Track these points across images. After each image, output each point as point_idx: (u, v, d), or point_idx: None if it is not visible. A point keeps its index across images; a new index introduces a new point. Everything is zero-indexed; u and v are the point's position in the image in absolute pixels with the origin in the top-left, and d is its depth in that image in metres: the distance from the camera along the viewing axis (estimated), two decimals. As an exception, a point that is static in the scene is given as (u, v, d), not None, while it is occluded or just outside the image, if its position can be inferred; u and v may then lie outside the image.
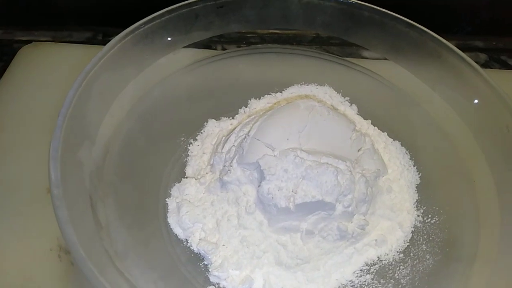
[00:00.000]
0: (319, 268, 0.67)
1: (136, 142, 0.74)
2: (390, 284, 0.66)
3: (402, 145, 0.82)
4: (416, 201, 0.76)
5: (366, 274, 0.68)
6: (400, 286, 0.66)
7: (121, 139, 0.72)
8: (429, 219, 0.73)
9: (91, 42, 1.10)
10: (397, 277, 0.67)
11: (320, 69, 0.91)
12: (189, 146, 0.80)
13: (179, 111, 0.83)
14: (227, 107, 0.85)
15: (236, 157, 0.70)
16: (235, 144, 0.73)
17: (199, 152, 0.79)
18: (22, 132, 0.87)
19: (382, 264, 0.69)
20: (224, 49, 1.02)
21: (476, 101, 0.72)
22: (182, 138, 0.81)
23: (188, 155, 0.79)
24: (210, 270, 0.65)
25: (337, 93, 0.89)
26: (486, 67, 1.09)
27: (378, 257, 0.70)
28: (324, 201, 0.65)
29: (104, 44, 0.69)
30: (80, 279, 0.66)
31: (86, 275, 0.47)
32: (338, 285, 0.67)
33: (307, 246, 0.67)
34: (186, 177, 0.75)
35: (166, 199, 0.72)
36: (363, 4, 0.82)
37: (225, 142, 0.75)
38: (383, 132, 0.84)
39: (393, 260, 0.69)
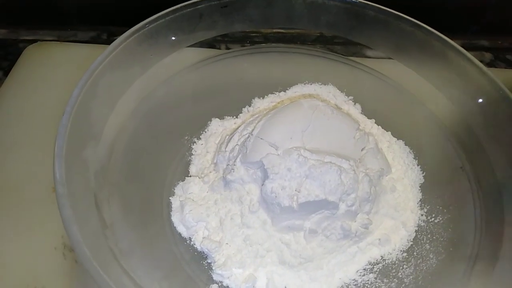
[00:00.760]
0: (322, 267, 0.67)
1: (140, 141, 0.75)
2: (393, 283, 0.66)
3: (406, 145, 0.82)
4: (419, 201, 0.75)
5: (370, 273, 0.68)
6: (403, 285, 0.66)
7: (126, 138, 0.72)
8: (432, 219, 0.73)
9: (96, 41, 1.10)
10: (401, 276, 0.67)
11: (324, 68, 0.91)
12: (193, 145, 0.81)
13: (183, 110, 0.83)
14: (231, 106, 0.85)
15: (240, 156, 0.70)
16: (239, 143, 0.74)
17: (203, 151, 0.79)
18: (27, 130, 0.87)
19: (386, 263, 0.69)
20: (228, 48, 1.02)
21: (480, 100, 0.72)
22: (186, 137, 0.81)
23: (192, 154, 0.79)
24: (213, 268, 0.65)
25: (341, 92, 0.89)
26: (491, 66, 1.08)
27: (382, 256, 0.70)
28: (327, 200, 0.66)
29: (109, 44, 0.69)
30: (85, 277, 0.67)
31: (91, 274, 0.47)
32: (341, 284, 0.67)
33: (310, 245, 0.67)
34: (190, 176, 0.76)
35: (170, 198, 0.72)
36: (367, 4, 0.81)
37: (229, 141, 0.76)
38: (387, 131, 0.84)
39: (396, 259, 0.69)
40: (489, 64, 1.10)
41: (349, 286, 0.67)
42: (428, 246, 0.70)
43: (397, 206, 0.74)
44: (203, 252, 0.67)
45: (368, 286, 0.67)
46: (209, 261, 0.66)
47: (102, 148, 0.65)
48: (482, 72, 0.73)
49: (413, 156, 0.80)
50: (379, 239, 0.71)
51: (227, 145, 0.75)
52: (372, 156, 0.75)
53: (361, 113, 0.86)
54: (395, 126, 0.84)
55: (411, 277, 0.67)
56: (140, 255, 0.61)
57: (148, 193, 0.72)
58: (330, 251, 0.68)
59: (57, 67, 0.98)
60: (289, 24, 0.87)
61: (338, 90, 0.89)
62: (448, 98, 0.77)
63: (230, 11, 0.81)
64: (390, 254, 0.70)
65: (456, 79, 0.77)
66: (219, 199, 0.70)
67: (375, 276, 0.68)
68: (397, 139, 0.83)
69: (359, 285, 0.67)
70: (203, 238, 0.67)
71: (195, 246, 0.67)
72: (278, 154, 0.67)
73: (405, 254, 0.70)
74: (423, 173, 0.78)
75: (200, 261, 0.67)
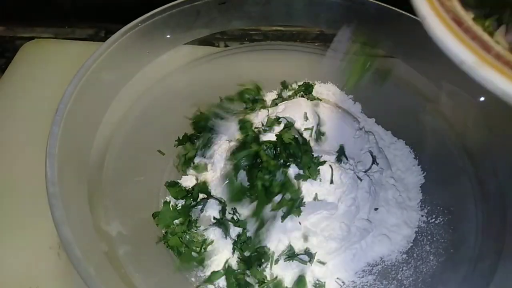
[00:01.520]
0: (320, 268, 0.66)
1: (136, 139, 0.74)
2: (392, 285, 0.65)
3: (406, 144, 0.81)
4: (420, 201, 0.75)
5: (369, 274, 0.67)
6: (402, 287, 0.65)
7: (121, 136, 0.71)
8: (433, 219, 0.72)
9: (93, 39, 1.10)
10: (400, 278, 0.66)
11: (324, 66, 0.90)
12: (190, 143, 0.80)
13: (181, 108, 0.82)
14: (229, 105, 0.84)
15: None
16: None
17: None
18: (24, 128, 0.86)
19: (385, 265, 0.68)
20: (226, 46, 1.01)
21: (482, 98, 0.71)
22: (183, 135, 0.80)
23: (189, 153, 0.78)
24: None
25: (341, 90, 0.88)
26: (493, 65, 1.07)
27: (381, 258, 0.69)
28: (326, 201, 0.65)
29: (105, 41, 0.69)
30: (79, 277, 0.66)
31: (81, 276, 0.46)
32: (340, 285, 0.66)
33: (308, 245, 0.66)
34: (187, 175, 0.75)
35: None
36: (367, 1, 0.80)
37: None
38: (387, 131, 0.83)
39: (396, 261, 0.68)
40: (491, 63, 1.08)
41: (348, 288, 0.66)
42: (428, 248, 0.69)
43: (397, 207, 0.73)
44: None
45: (367, 288, 0.66)
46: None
47: (96, 147, 0.64)
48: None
49: (413, 156, 0.79)
50: (379, 240, 0.70)
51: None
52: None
53: (361, 112, 0.85)
54: (396, 125, 0.83)
55: (410, 279, 0.66)
56: (133, 256, 0.60)
57: (143, 193, 0.71)
58: (328, 251, 0.67)
59: (54, 64, 0.97)
60: (288, 21, 0.86)
61: (338, 89, 0.88)
62: (449, 97, 0.76)
63: (228, 8, 0.80)
64: (390, 255, 0.69)
65: (458, 79, 0.75)
66: (216, 199, 0.69)
67: (374, 278, 0.67)
68: (398, 139, 0.82)
69: (358, 286, 0.66)
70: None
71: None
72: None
73: (405, 255, 0.69)
74: (423, 173, 0.77)
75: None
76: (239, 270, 0.65)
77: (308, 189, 0.64)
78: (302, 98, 0.77)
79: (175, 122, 0.80)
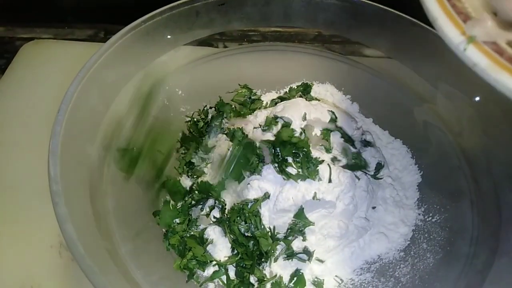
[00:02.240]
0: (319, 266, 0.67)
1: (137, 138, 0.74)
2: (390, 283, 0.66)
3: (403, 144, 0.82)
4: (417, 200, 0.75)
5: (366, 272, 0.68)
6: (400, 284, 0.66)
7: (122, 135, 0.72)
8: (430, 218, 0.73)
9: (93, 39, 1.10)
10: (397, 275, 0.67)
11: (322, 66, 0.91)
12: (190, 143, 0.80)
13: (180, 108, 0.83)
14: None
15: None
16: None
17: (200, 149, 0.79)
18: (24, 128, 0.87)
19: (383, 263, 0.69)
20: (225, 47, 1.02)
21: (477, 98, 0.72)
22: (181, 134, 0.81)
23: (189, 152, 0.79)
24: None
25: (339, 91, 0.88)
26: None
27: (379, 255, 0.70)
28: (324, 199, 0.65)
29: (106, 42, 0.69)
30: (80, 275, 0.65)
31: (84, 272, 0.47)
32: (338, 283, 0.67)
33: (307, 244, 0.67)
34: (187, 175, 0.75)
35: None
36: (365, 2, 0.81)
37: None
38: (384, 130, 0.84)
39: (393, 259, 0.69)
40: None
41: (346, 285, 0.67)
42: (425, 245, 0.69)
43: (394, 205, 0.74)
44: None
45: (365, 285, 0.67)
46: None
47: (98, 146, 0.65)
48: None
49: (410, 156, 0.80)
50: (376, 238, 0.71)
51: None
52: (370, 155, 0.75)
53: (359, 112, 0.86)
54: (393, 125, 0.84)
55: (408, 276, 0.66)
56: (135, 253, 0.61)
57: (144, 191, 0.71)
58: (327, 250, 0.68)
59: (53, 65, 0.98)
60: (287, 23, 0.86)
61: (335, 89, 0.89)
62: (445, 97, 0.77)
63: (227, 9, 0.80)
64: (387, 253, 0.70)
65: (454, 79, 0.76)
66: (216, 196, 0.70)
67: (372, 275, 0.68)
68: (395, 139, 0.83)
69: (356, 284, 0.67)
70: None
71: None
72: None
73: (402, 253, 0.70)
74: (420, 172, 0.78)
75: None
76: (239, 269, 0.65)
77: (307, 188, 0.65)
78: (300, 98, 0.78)
79: (175, 122, 0.81)
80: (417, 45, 0.80)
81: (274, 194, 0.66)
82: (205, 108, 0.82)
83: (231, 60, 0.89)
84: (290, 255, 0.66)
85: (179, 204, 0.70)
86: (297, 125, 0.70)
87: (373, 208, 0.72)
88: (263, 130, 0.71)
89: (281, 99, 0.83)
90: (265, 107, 0.82)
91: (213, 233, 0.68)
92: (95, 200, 0.59)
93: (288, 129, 0.68)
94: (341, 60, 0.90)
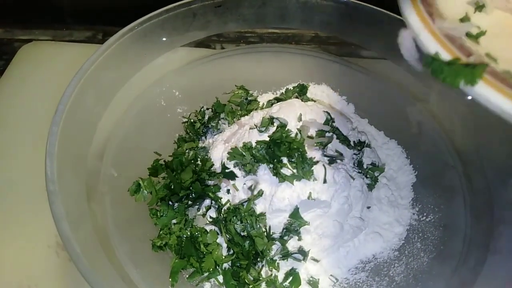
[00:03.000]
0: (314, 265, 0.68)
1: (134, 139, 0.75)
2: (384, 282, 0.67)
3: (398, 144, 0.82)
4: (411, 200, 0.76)
5: (361, 271, 0.69)
6: (394, 283, 0.66)
7: (119, 136, 0.72)
8: (424, 217, 0.73)
9: (91, 41, 1.11)
10: (392, 274, 0.67)
11: (318, 68, 0.91)
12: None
13: (177, 109, 0.84)
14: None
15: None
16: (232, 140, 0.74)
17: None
18: (22, 129, 0.88)
19: (377, 262, 0.70)
20: (222, 48, 1.02)
21: (469, 97, 0.72)
22: (178, 136, 0.81)
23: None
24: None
25: (334, 92, 0.89)
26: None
27: (373, 255, 0.70)
28: (319, 199, 0.66)
29: (103, 43, 0.70)
30: (78, 275, 0.66)
31: (80, 271, 0.47)
32: (333, 282, 0.67)
33: (302, 243, 0.67)
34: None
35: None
36: (360, 4, 0.82)
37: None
38: (379, 131, 0.84)
39: (388, 258, 0.70)
40: (483, 65, 1.10)
41: (341, 284, 0.67)
42: (419, 245, 0.70)
43: (389, 205, 0.74)
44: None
45: (360, 284, 0.67)
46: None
47: (95, 147, 0.66)
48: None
49: (405, 156, 0.81)
50: (371, 238, 0.71)
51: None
52: (365, 156, 0.76)
53: (354, 113, 0.87)
54: (388, 125, 0.84)
55: (402, 275, 0.67)
56: (132, 252, 0.61)
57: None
58: (322, 249, 0.68)
59: (52, 66, 0.98)
60: (283, 24, 0.87)
61: (331, 90, 0.89)
62: (439, 97, 0.78)
63: (223, 10, 0.81)
64: (382, 252, 0.71)
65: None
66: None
67: (367, 275, 0.68)
68: (390, 139, 0.83)
69: (351, 283, 0.68)
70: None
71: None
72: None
73: (397, 252, 0.70)
74: (415, 172, 0.79)
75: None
76: (235, 268, 0.66)
77: (302, 188, 0.66)
78: (296, 99, 0.78)
79: (172, 124, 0.82)
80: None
81: (270, 194, 0.66)
82: (202, 109, 0.82)
83: (227, 62, 0.90)
84: (286, 255, 0.67)
85: (176, 205, 0.70)
86: (292, 126, 0.71)
87: (368, 208, 0.73)
88: (260, 131, 0.72)
89: (278, 100, 0.84)
90: (262, 108, 0.83)
91: (210, 233, 0.68)
92: (91, 200, 0.60)
93: (283, 130, 0.69)
94: (337, 62, 0.91)
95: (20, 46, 1.03)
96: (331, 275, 0.68)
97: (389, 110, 0.85)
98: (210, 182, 0.70)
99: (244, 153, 0.68)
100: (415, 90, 0.81)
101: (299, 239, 0.67)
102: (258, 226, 0.66)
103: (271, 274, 0.66)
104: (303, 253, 0.67)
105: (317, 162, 0.67)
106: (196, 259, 0.65)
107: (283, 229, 0.67)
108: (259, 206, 0.67)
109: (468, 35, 0.43)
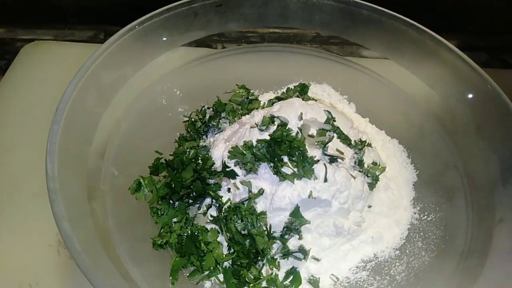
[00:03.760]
0: (315, 264, 0.68)
1: (134, 138, 0.75)
2: (385, 281, 0.67)
3: (399, 143, 0.82)
4: (412, 199, 0.76)
5: (362, 270, 0.69)
6: (395, 282, 0.66)
7: (119, 135, 0.73)
8: (425, 217, 0.73)
9: (93, 40, 1.12)
10: (393, 273, 0.67)
11: (319, 67, 0.92)
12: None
13: (178, 108, 0.84)
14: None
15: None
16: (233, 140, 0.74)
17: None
18: (24, 129, 0.88)
19: (378, 261, 0.70)
20: (223, 47, 1.03)
21: (470, 95, 0.72)
22: (179, 134, 0.81)
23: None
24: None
25: (336, 91, 0.89)
26: (486, 66, 1.07)
27: (374, 254, 0.70)
28: (320, 198, 0.66)
29: (104, 43, 0.70)
30: (78, 273, 0.66)
31: (81, 268, 0.47)
32: (334, 281, 0.67)
33: (303, 242, 0.67)
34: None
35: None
36: (361, 3, 0.82)
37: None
38: (381, 130, 0.84)
39: (389, 257, 0.70)
40: (485, 64, 1.10)
41: (342, 284, 0.67)
42: (420, 244, 0.70)
43: (390, 204, 0.74)
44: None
45: (361, 284, 0.67)
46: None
47: (96, 145, 0.66)
48: (475, 71, 0.73)
49: (406, 155, 0.81)
50: (372, 237, 0.71)
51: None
52: (366, 155, 0.76)
53: (355, 112, 0.87)
54: (389, 125, 0.84)
55: (403, 274, 0.67)
56: (132, 250, 0.62)
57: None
58: (323, 248, 0.68)
59: (53, 65, 0.99)
60: (284, 23, 0.87)
61: (332, 89, 0.90)
62: (441, 97, 0.78)
63: (224, 10, 0.81)
64: (383, 252, 0.70)
65: (450, 79, 0.77)
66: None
67: (368, 274, 0.68)
68: (391, 138, 0.83)
69: (351, 282, 0.68)
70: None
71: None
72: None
73: (398, 252, 0.70)
74: (416, 171, 0.79)
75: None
76: (235, 267, 0.66)
77: (302, 187, 0.66)
78: (297, 98, 0.78)
79: (173, 123, 0.82)
80: (414, 46, 0.81)
81: (270, 193, 0.66)
82: (203, 108, 0.83)
83: (229, 61, 0.90)
84: (286, 253, 0.67)
85: (177, 203, 0.70)
86: (293, 125, 0.71)
87: (369, 207, 0.73)
88: (260, 130, 0.72)
89: (278, 99, 0.84)
90: (263, 107, 0.83)
91: (210, 232, 0.69)
92: (92, 199, 0.60)
93: (284, 129, 0.69)
94: (338, 61, 0.91)
95: (22, 46, 1.04)
96: (331, 274, 0.68)
97: (390, 109, 0.85)
98: (211, 181, 0.70)
99: (244, 152, 0.68)
100: (416, 89, 0.81)
101: (300, 238, 0.67)
102: (259, 224, 0.66)
103: (272, 273, 0.66)
104: (303, 252, 0.67)
105: (318, 161, 0.67)
106: (196, 258, 0.65)
107: (284, 227, 0.67)
108: (260, 205, 0.67)
109: None
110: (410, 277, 0.66)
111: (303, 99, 0.79)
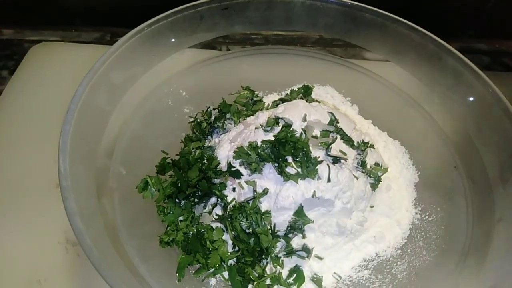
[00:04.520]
0: (318, 263, 0.69)
1: (142, 137, 0.76)
2: (387, 279, 0.68)
3: (401, 145, 0.84)
4: (414, 199, 0.77)
5: (364, 269, 0.70)
6: (396, 281, 0.67)
7: (128, 135, 0.74)
8: (426, 217, 0.74)
9: (100, 42, 1.13)
10: (394, 272, 0.69)
11: (323, 69, 0.93)
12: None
13: (184, 109, 0.85)
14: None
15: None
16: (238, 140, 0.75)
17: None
18: (32, 128, 0.89)
19: (380, 260, 0.71)
20: (229, 49, 1.04)
21: (471, 98, 0.73)
22: (185, 135, 0.82)
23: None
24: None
25: (339, 93, 0.90)
26: (488, 70, 1.10)
27: (376, 253, 0.71)
28: (323, 198, 0.67)
29: (112, 44, 0.71)
30: (86, 270, 0.68)
31: (92, 263, 0.49)
32: (337, 279, 0.68)
33: (306, 241, 0.69)
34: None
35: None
36: (364, 7, 0.83)
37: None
38: (383, 131, 0.86)
39: (390, 256, 0.71)
40: (487, 67, 1.11)
41: (345, 282, 0.68)
42: (422, 244, 0.71)
43: (392, 205, 0.75)
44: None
45: (363, 282, 0.68)
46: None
47: (105, 145, 0.67)
48: (476, 74, 0.74)
49: (408, 156, 0.82)
50: (374, 237, 0.72)
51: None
52: (368, 156, 0.77)
53: (358, 114, 0.88)
54: (392, 127, 0.86)
55: (404, 273, 0.68)
56: (141, 247, 0.63)
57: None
58: (325, 247, 0.69)
59: (61, 67, 1.00)
60: (288, 26, 0.88)
61: (336, 91, 0.91)
62: (442, 100, 0.79)
63: (230, 13, 0.83)
64: (385, 251, 0.72)
65: (451, 82, 0.78)
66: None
67: (370, 273, 0.69)
68: (393, 140, 0.85)
69: (354, 281, 0.69)
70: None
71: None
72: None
73: (399, 251, 0.71)
74: (418, 172, 0.80)
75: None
76: (240, 265, 0.67)
77: (306, 187, 0.67)
78: (301, 100, 0.80)
79: (179, 123, 0.83)
80: (416, 49, 0.82)
81: (275, 192, 0.67)
82: (208, 109, 0.84)
83: (234, 63, 0.91)
84: (290, 252, 0.68)
85: (183, 202, 0.71)
86: (297, 126, 0.72)
87: (371, 207, 0.74)
88: (265, 131, 0.73)
89: (283, 100, 0.85)
90: (267, 109, 0.84)
91: (216, 230, 0.70)
92: (101, 196, 0.61)
93: (288, 130, 0.70)
94: (341, 63, 0.93)
95: (30, 47, 1.05)
96: (334, 273, 0.69)
97: (393, 111, 0.86)
98: (216, 180, 0.71)
99: (249, 152, 0.70)
100: (418, 92, 0.82)
101: (303, 237, 0.68)
102: (263, 223, 0.67)
103: (276, 271, 0.67)
104: (307, 250, 0.68)
105: (321, 161, 0.68)
106: (202, 255, 0.66)
107: (288, 226, 0.68)
108: (264, 204, 0.68)
109: None
110: (411, 276, 0.67)
111: (307, 101, 0.81)
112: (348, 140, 0.75)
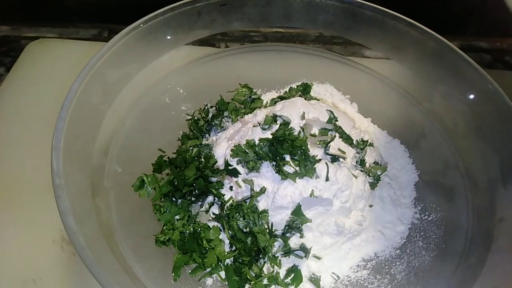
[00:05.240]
0: (316, 262, 0.68)
1: (137, 136, 0.76)
2: (386, 280, 0.67)
3: (401, 143, 0.83)
4: (414, 199, 0.76)
5: (363, 269, 0.69)
6: (395, 281, 0.67)
7: (123, 133, 0.73)
8: (426, 216, 0.73)
9: (97, 39, 1.12)
10: (393, 272, 0.68)
11: (322, 67, 0.92)
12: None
13: (181, 106, 0.84)
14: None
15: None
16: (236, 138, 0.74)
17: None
18: (28, 125, 0.89)
19: (379, 260, 0.70)
20: (227, 47, 1.03)
21: (472, 96, 0.73)
22: (182, 133, 0.82)
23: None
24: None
25: (338, 91, 0.90)
26: (490, 68, 1.09)
27: (375, 253, 0.71)
28: (321, 197, 0.66)
29: (109, 41, 0.70)
30: (82, 269, 0.67)
31: (85, 263, 0.48)
32: (335, 279, 0.68)
33: (304, 241, 0.68)
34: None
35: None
36: (364, 3, 0.82)
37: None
38: (383, 130, 0.85)
39: (389, 256, 0.70)
40: (488, 66, 1.10)
41: (343, 282, 0.68)
42: (421, 243, 0.70)
43: (391, 204, 0.75)
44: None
45: (361, 282, 0.68)
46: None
47: (100, 142, 0.66)
48: (477, 71, 0.73)
49: (408, 155, 0.81)
50: (373, 236, 0.72)
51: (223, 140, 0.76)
52: (368, 154, 0.76)
53: (358, 112, 0.87)
54: (391, 125, 0.85)
55: (403, 273, 0.68)
56: (135, 245, 0.62)
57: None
58: (324, 247, 0.69)
59: (58, 63, 1.00)
60: (287, 23, 0.87)
61: (335, 89, 0.90)
62: (443, 98, 0.78)
63: (228, 9, 0.82)
64: (384, 251, 0.71)
65: (452, 79, 0.77)
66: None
67: (368, 273, 0.69)
68: (393, 138, 0.84)
69: (352, 281, 0.68)
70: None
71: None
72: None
73: (398, 251, 0.71)
74: (417, 171, 0.79)
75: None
76: (237, 264, 0.66)
77: (304, 185, 0.66)
78: (299, 97, 0.79)
79: (176, 121, 0.82)
80: (416, 46, 0.81)
81: (272, 191, 0.67)
82: (206, 107, 0.83)
83: (232, 60, 0.90)
84: (288, 251, 0.67)
85: (179, 201, 0.71)
86: (296, 124, 0.72)
87: (370, 206, 0.74)
88: (263, 129, 0.72)
89: (281, 98, 0.84)
90: (265, 106, 0.84)
91: (212, 229, 0.69)
92: (96, 195, 0.60)
93: (286, 128, 0.69)
94: (340, 61, 0.92)
95: (27, 43, 1.04)
96: (332, 273, 0.68)
97: (392, 109, 0.85)
98: (214, 179, 0.71)
99: (247, 151, 0.69)
100: (418, 90, 0.81)
101: (301, 236, 0.67)
102: (261, 222, 0.66)
103: (273, 271, 0.67)
104: (305, 250, 0.67)
105: (320, 160, 0.68)
106: (198, 255, 0.65)
107: (285, 226, 0.67)
108: (262, 203, 0.68)
109: None
110: (411, 276, 0.67)
111: (305, 99, 0.80)
112: (347, 139, 0.74)
